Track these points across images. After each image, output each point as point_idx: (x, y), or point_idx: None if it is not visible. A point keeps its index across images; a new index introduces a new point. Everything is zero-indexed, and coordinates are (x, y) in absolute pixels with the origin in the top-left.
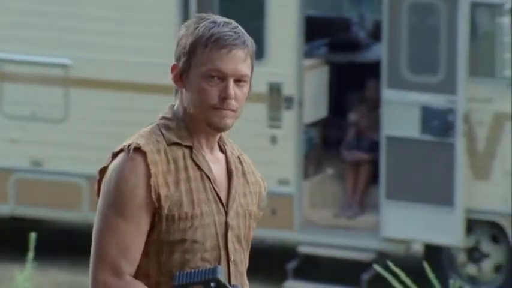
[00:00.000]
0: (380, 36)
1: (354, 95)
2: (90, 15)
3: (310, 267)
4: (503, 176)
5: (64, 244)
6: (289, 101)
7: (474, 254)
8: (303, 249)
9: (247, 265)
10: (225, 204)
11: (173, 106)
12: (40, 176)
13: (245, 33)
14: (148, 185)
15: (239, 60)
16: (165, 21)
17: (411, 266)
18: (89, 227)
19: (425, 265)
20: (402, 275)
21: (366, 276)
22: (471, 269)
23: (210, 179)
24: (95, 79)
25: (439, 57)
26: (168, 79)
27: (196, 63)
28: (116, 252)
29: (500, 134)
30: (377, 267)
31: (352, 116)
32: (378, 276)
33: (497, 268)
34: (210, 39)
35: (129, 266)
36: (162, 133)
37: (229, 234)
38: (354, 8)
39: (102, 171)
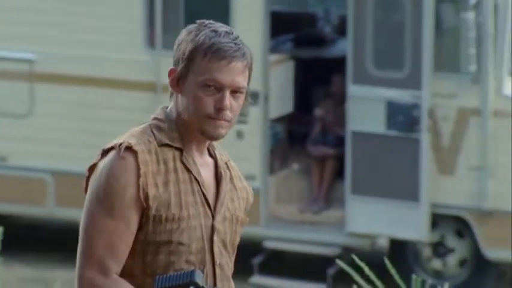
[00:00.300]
0: (346, 32)
1: (319, 90)
2: (55, 9)
3: (276, 262)
4: (468, 171)
5: (30, 239)
6: (254, 96)
7: (439, 249)
8: (269, 244)
9: (232, 269)
10: (212, 208)
11: (166, 108)
12: (5, 171)
13: (245, 44)
14: (138, 185)
15: (237, 73)
16: (130, 16)
17: (377, 261)
18: (55, 222)
19: (387, 260)
20: (366, 269)
21: (331, 271)
22: (436, 264)
23: (198, 182)
24: (59, 74)
25: (404, 52)
26: (133, 74)
27: (194, 71)
28: (104, 250)
29: (465, 129)
30: (340, 262)
31: (318, 111)
32: (344, 271)
33: (462, 263)
34: (210, 48)
35: (116, 265)
36: (153, 134)
37: (215, 237)
38: (319, 3)
39: (92, 168)
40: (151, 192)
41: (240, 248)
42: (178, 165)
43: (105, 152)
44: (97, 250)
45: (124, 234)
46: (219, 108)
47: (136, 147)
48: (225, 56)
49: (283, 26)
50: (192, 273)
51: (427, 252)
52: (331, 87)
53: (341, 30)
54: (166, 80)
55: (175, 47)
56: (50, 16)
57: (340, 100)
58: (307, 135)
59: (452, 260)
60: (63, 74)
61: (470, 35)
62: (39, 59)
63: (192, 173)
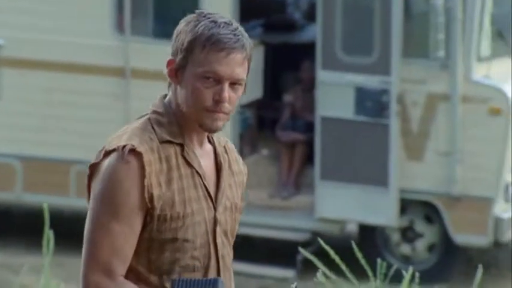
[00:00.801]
0: (315, 17)
1: (289, 76)
2: None
3: (246, 247)
4: (436, 157)
5: None
6: None
7: (408, 234)
8: (238, 230)
9: (232, 258)
10: (213, 199)
11: (164, 97)
12: None
13: (245, 35)
14: (142, 186)
15: (236, 64)
16: (99, 1)
17: (346, 246)
18: (22, 208)
19: (354, 245)
20: (331, 254)
21: (300, 256)
22: (405, 249)
23: (200, 176)
24: (27, 59)
25: (373, 38)
26: (102, 59)
27: (193, 63)
28: (109, 253)
29: (434, 115)
30: (303, 251)
31: (288, 97)
32: (313, 256)
33: (431, 247)
34: (209, 40)
35: (122, 267)
36: (154, 130)
37: (218, 229)
38: None
39: (93, 166)
40: (156, 192)
41: None
42: (180, 160)
43: (107, 153)
44: (103, 253)
45: (129, 236)
46: (218, 101)
47: (140, 149)
48: (224, 47)
49: (253, 12)
50: (215, 282)
51: (396, 237)
52: (301, 72)
53: (310, 15)
54: (134, 65)
55: (173, 36)
56: (18, 1)
57: (309, 86)
58: (277, 120)
59: (421, 244)
60: (31, 59)
61: (439, 21)
62: (6, 44)
63: (193, 167)
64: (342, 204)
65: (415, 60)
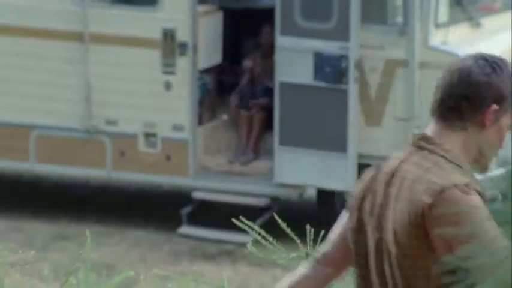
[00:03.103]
0: None
1: (248, 41)
2: None
3: (205, 212)
4: (394, 122)
5: None
6: (183, 47)
7: None
8: (198, 195)
9: None
10: None
11: (430, 135)
12: None
13: None
14: None
15: None
16: None
17: (305, 211)
18: None
19: (276, 216)
20: (255, 227)
21: (259, 221)
22: None
23: None
24: None
25: (332, 4)
26: (61, 24)
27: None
28: None
29: (392, 80)
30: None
31: (247, 63)
32: (272, 221)
33: None
34: None
35: None
36: (461, 167)
37: None
38: None
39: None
40: None
41: (169, 198)
42: None
43: (446, 189)
44: None
45: None
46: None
47: (476, 187)
48: None
49: None
50: None
51: None
52: (260, 38)
53: None
54: (93, 30)
55: (484, 85)
56: None
57: (268, 51)
58: (236, 86)
59: None
60: None
61: None
62: None
63: None
64: (300, 170)
65: (373, 26)
